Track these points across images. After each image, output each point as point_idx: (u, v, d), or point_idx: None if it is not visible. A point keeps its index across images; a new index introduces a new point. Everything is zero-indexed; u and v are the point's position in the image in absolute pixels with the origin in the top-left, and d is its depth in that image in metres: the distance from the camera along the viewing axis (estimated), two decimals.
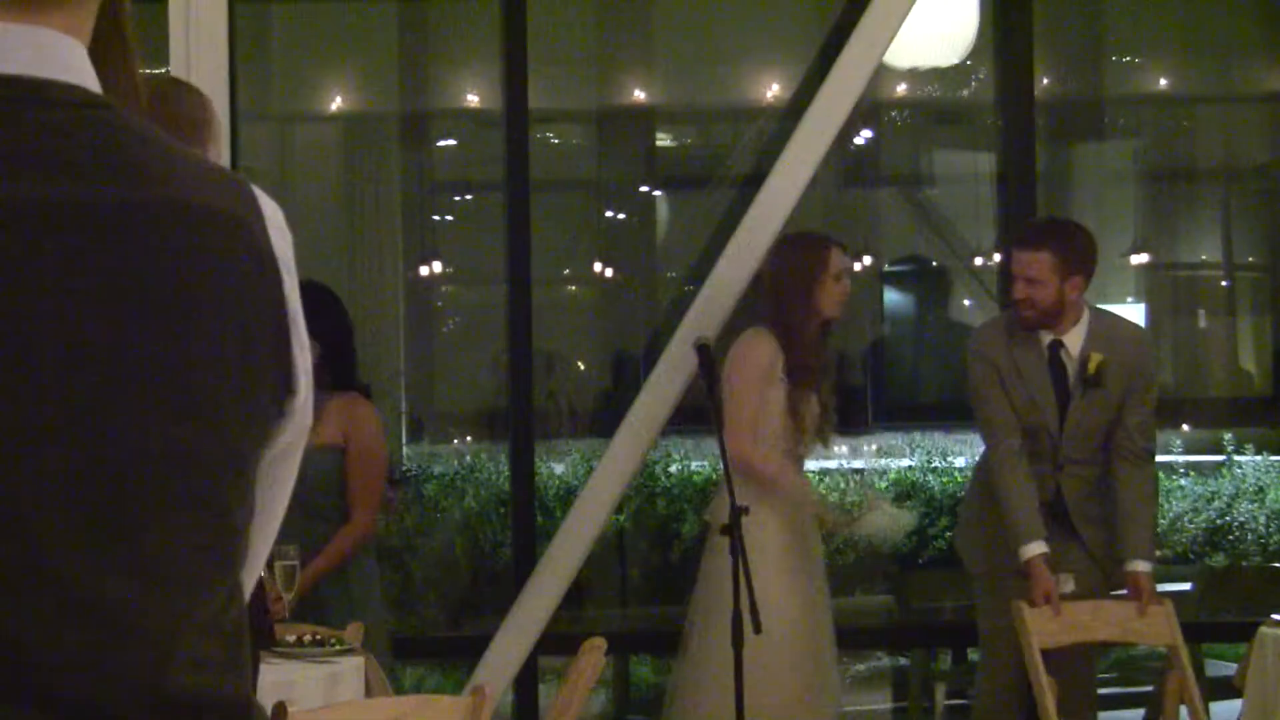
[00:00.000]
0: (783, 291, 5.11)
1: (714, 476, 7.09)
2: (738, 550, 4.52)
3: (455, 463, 7.38)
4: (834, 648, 5.17)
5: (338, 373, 4.94)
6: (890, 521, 5.25)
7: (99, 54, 1.31)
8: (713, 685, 4.88)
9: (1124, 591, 4.88)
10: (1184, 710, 4.57)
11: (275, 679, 3.84)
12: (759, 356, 5.04)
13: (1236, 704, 4.69)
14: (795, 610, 4.98)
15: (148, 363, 1.19)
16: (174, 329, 1.20)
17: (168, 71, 4.93)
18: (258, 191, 1.29)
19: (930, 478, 7.29)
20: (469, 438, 7.92)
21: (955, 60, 6.78)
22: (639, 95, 7.70)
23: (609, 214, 8.01)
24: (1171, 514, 7.29)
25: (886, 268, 8.33)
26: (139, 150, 1.23)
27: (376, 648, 4.60)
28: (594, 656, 3.48)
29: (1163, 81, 8.10)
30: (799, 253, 5.16)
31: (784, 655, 4.91)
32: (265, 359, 1.24)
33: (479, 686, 3.32)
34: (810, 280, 5.06)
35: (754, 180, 5.99)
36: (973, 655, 6.62)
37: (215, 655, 1.23)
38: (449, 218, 8.18)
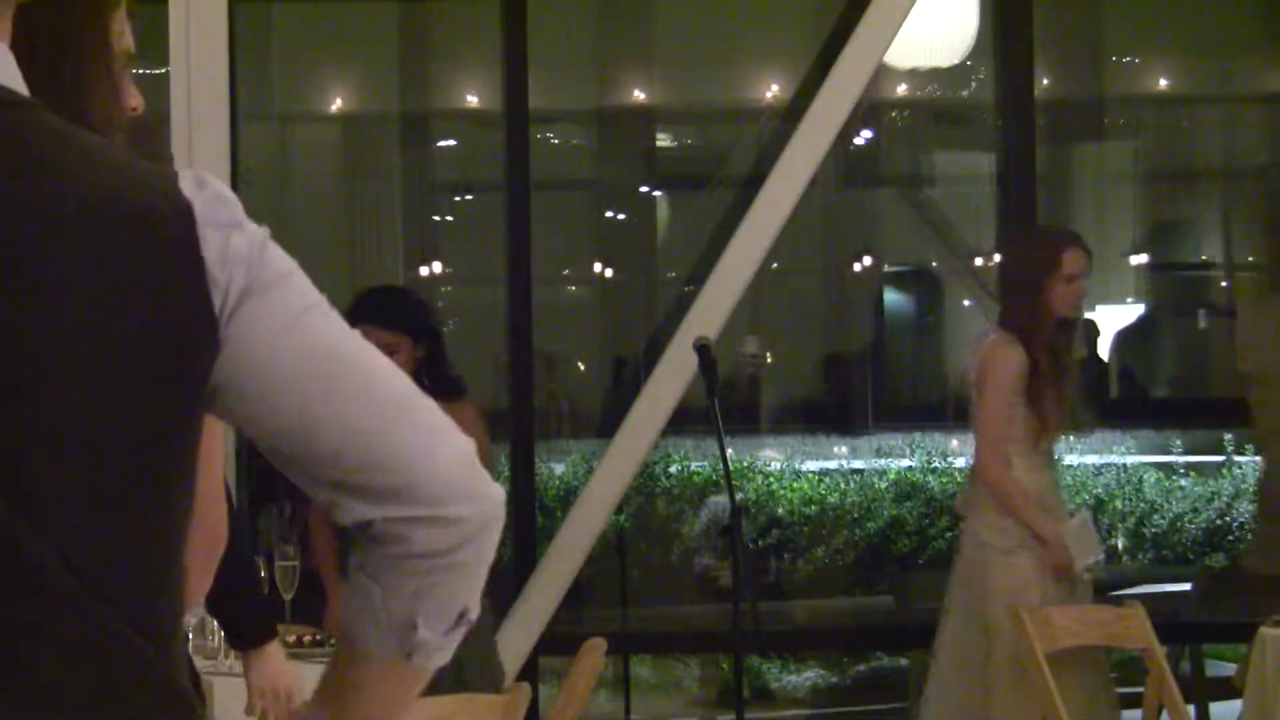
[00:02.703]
0: (1010, 291, 4.95)
1: (714, 476, 7.09)
2: (738, 547, 4.52)
3: None
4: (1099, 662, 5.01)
5: (433, 375, 4.41)
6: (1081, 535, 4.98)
7: (80, 52, 1.32)
8: (955, 671, 4.97)
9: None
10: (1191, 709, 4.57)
11: None
12: (1010, 366, 4.82)
13: (1236, 704, 4.68)
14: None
15: (47, 351, 1.21)
16: (71, 319, 1.21)
17: (168, 72, 4.93)
18: (204, 190, 1.29)
19: (930, 478, 7.28)
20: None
21: (955, 60, 6.78)
22: (639, 95, 7.70)
23: (609, 214, 8.00)
24: (1171, 514, 7.29)
25: (886, 268, 8.32)
26: (50, 147, 1.24)
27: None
28: (594, 656, 3.47)
29: (1163, 81, 8.10)
30: (1028, 251, 5.00)
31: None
32: (171, 347, 1.26)
33: (518, 683, 3.32)
34: (1036, 280, 4.85)
35: (754, 180, 5.99)
36: None
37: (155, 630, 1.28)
38: (449, 218, 8.18)
